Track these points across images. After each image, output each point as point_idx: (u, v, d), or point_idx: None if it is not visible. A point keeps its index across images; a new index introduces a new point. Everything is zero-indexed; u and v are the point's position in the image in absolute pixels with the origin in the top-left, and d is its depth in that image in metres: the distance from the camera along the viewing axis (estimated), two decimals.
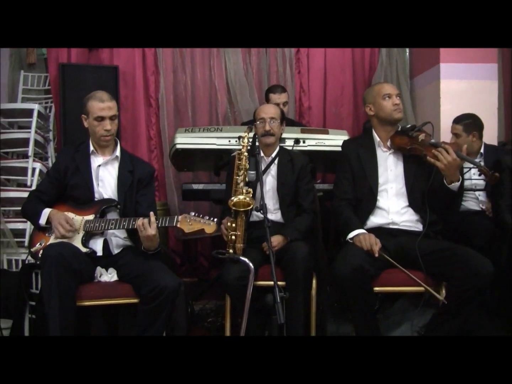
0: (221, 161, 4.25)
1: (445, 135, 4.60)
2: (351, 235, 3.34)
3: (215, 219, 3.08)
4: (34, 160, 5.21)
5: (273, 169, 3.75)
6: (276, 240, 3.45)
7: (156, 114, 5.77)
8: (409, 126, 3.51)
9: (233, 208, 3.30)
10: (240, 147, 3.51)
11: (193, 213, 3.11)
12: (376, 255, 3.17)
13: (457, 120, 4.43)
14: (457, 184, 3.24)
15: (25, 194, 3.94)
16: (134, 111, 5.71)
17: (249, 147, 3.46)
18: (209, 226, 3.06)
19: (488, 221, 4.10)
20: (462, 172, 3.61)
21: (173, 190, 5.67)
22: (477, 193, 4.37)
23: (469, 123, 4.38)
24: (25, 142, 5.24)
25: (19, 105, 5.59)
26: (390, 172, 3.49)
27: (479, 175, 3.79)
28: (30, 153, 5.19)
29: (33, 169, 5.18)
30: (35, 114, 5.29)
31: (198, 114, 5.76)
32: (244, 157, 3.44)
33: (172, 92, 5.75)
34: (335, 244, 3.85)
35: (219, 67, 5.73)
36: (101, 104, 3.28)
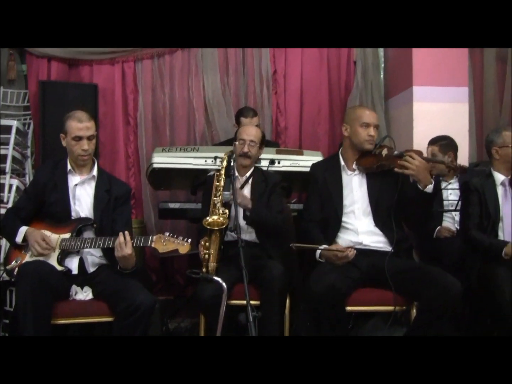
0: (197, 180, 4.30)
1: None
2: (318, 253, 3.44)
3: (189, 240, 3.13)
4: (11, 177, 5.19)
5: (247, 188, 3.81)
6: (244, 195, 3.64)
7: (134, 132, 5.81)
8: None
9: (208, 227, 3.35)
10: (216, 167, 3.58)
11: (167, 233, 3.16)
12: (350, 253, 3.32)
13: (433, 141, 4.57)
14: (431, 186, 3.34)
15: (2, 211, 3.95)
16: (112, 129, 5.75)
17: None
18: (183, 247, 3.11)
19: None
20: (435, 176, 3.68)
21: (150, 208, 5.69)
22: (453, 213, 4.46)
23: (445, 144, 4.52)
24: (3, 158, 5.24)
25: None
26: (355, 193, 3.59)
27: (448, 171, 3.95)
28: (8, 169, 5.16)
29: (10, 186, 5.15)
30: (14, 130, 5.27)
31: (176, 132, 5.80)
32: (222, 179, 3.51)
33: (151, 111, 5.79)
34: (309, 262, 3.91)
35: (197, 86, 5.78)
36: (79, 124, 3.32)
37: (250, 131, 3.82)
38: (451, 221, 4.48)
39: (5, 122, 5.42)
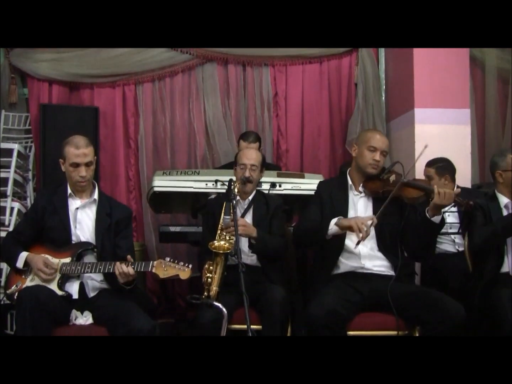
0: (198, 203, 4.29)
1: (419, 177, 4.67)
2: (332, 223, 3.38)
3: (190, 265, 3.13)
4: (12, 200, 5.21)
5: (249, 213, 3.79)
6: (248, 224, 3.59)
7: (135, 155, 5.80)
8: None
9: (214, 250, 3.33)
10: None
11: (168, 259, 3.16)
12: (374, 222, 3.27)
13: (430, 164, 4.54)
14: (439, 217, 3.33)
15: (3, 234, 3.95)
16: (113, 152, 5.74)
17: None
18: (183, 272, 3.11)
19: (463, 263, 4.15)
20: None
21: (151, 231, 5.66)
22: (453, 236, 4.44)
23: (442, 166, 4.49)
24: (4, 181, 5.24)
25: None
26: (360, 215, 3.52)
27: (454, 205, 3.84)
28: (9, 192, 5.18)
29: (12, 209, 5.18)
30: (15, 154, 5.29)
31: (176, 155, 5.80)
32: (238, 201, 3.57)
33: (152, 134, 5.79)
34: (311, 287, 3.87)
35: (198, 109, 5.79)
36: (76, 151, 3.32)
37: (251, 155, 3.80)
38: (450, 243, 4.46)
39: (6, 145, 5.43)
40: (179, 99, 5.82)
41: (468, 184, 4.93)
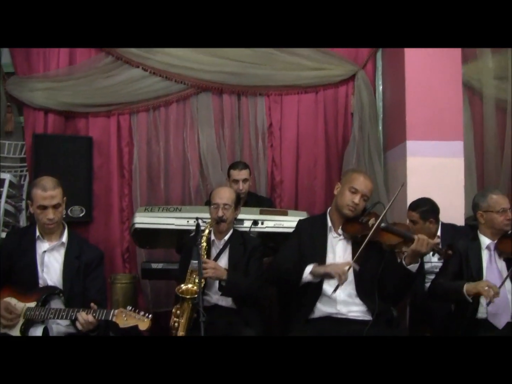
0: (181, 240, 4.23)
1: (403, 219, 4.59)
2: (307, 272, 3.32)
3: (150, 315, 3.07)
4: (3, 230, 5.19)
5: (225, 254, 3.74)
6: (218, 266, 3.55)
7: (129, 185, 5.74)
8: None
9: (181, 295, 3.30)
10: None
11: (129, 308, 3.11)
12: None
13: (413, 207, 4.42)
14: (416, 265, 3.25)
15: None
16: (107, 181, 5.70)
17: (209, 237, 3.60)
18: (143, 323, 3.05)
19: (447, 304, 4.05)
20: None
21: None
22: None
23: (425, 210, 4.37)
24: None
25: None
26: (339, 258, 3.45)
27: (433, 254, 3.71)
28: None
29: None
30: (6, 184, 5.28)
31: (170, 186, 5.74)
32: (203, 248, 3.52)
33: (146, 164, 5.75)
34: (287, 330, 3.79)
35: (192, 139, 5.73)
36: (43, 193, 3.29)
37: (223, 194, 3.77)
38: None
39: None
40: (173, 129, 5.78)
41: (461, 219, 4.80)
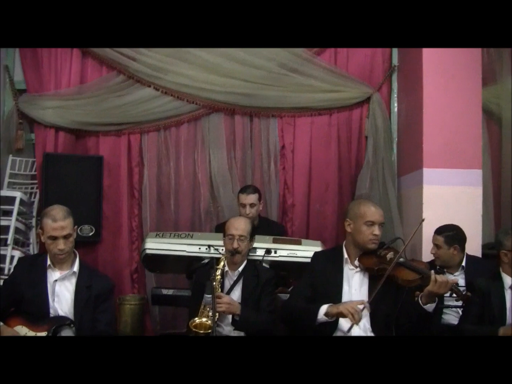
0: (192, 266, 4.16)
1: (427, 242, 4.48)
2: (321, 313, 3.23)
3: None
4: (13, 248, 5.16)
5: (239, 286, 3.68)
6: (233, 301, 3.48)
7: (139, 205, 5.69)
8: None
9: (194, 329, 3.25)
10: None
11: None
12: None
13: (439, 231, 4.31)
14: (433, 305, 3.17)
15: (1, 282, 3.92)
16: (117, 201, 5.65)
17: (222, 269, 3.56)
18: None
19: None
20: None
21: (153, 283, 5.51)
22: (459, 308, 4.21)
23: (451, 236, 4.24)
24: (5, 229, 5.18)
25: (1, 192, 5.54)
26: (354, 292, 3.39)
27: (450, 295, 3.54)
28: (10, 240, 5.13)
29: (12, 257, 5.12)
30: (17, 202, 5.25)
31: (180, 207, 5.68)
32: (217, 281, 3.46)
33: (156, 184, 5.69)
34: None
35: (203, 160, 5.68)
36: (53, 224, 3.25)
37: (239, 225, 3.70)
38: (455, 315, 4.19)
39: (8, 193, 5.39)
40: (184, 149, 5.72)
41: (478, 249, 4.69)
